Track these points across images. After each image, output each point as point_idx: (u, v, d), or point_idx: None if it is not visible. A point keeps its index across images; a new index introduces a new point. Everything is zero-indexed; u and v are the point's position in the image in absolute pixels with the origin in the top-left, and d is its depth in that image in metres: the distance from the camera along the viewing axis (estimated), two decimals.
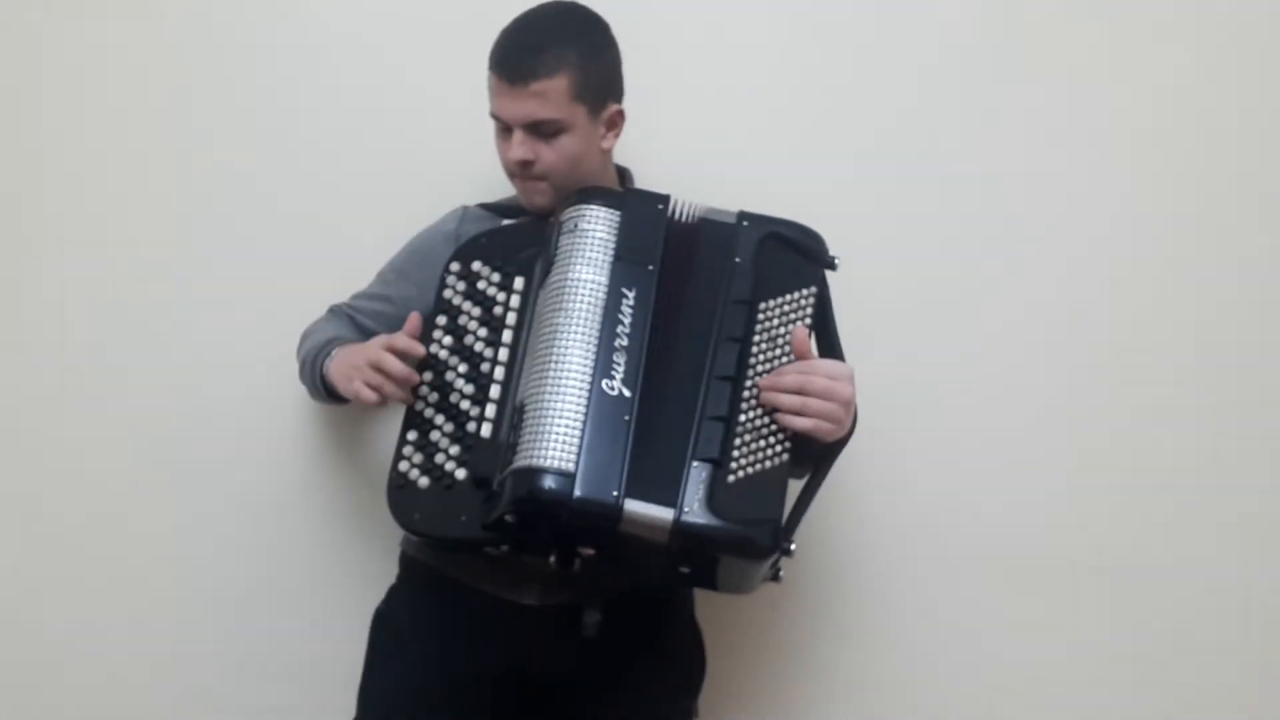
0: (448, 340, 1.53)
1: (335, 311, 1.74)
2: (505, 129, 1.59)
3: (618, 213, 1.52)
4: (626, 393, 1.42)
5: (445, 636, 1.58)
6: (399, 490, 1.48)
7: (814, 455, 1.49)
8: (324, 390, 1.62)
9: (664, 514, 1.37)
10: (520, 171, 1.60)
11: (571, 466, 1.36)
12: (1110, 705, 1.89)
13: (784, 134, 1.92)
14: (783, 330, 1.49)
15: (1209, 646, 1.90)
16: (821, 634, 1.92)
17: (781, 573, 1.48)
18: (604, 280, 1.47)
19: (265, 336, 1.83)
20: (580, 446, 1.37)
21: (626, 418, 1.40)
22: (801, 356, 1.45)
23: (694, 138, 1.90)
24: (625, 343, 1.44)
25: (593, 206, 1.52)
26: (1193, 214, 1.93)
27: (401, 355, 1.47)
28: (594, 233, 1.50)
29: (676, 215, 1.55)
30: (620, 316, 1.45)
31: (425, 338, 1.52)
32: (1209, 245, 1.93)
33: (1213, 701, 1.89)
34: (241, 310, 1.89)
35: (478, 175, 1.78)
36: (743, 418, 1.44)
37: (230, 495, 1.88)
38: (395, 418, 1.55)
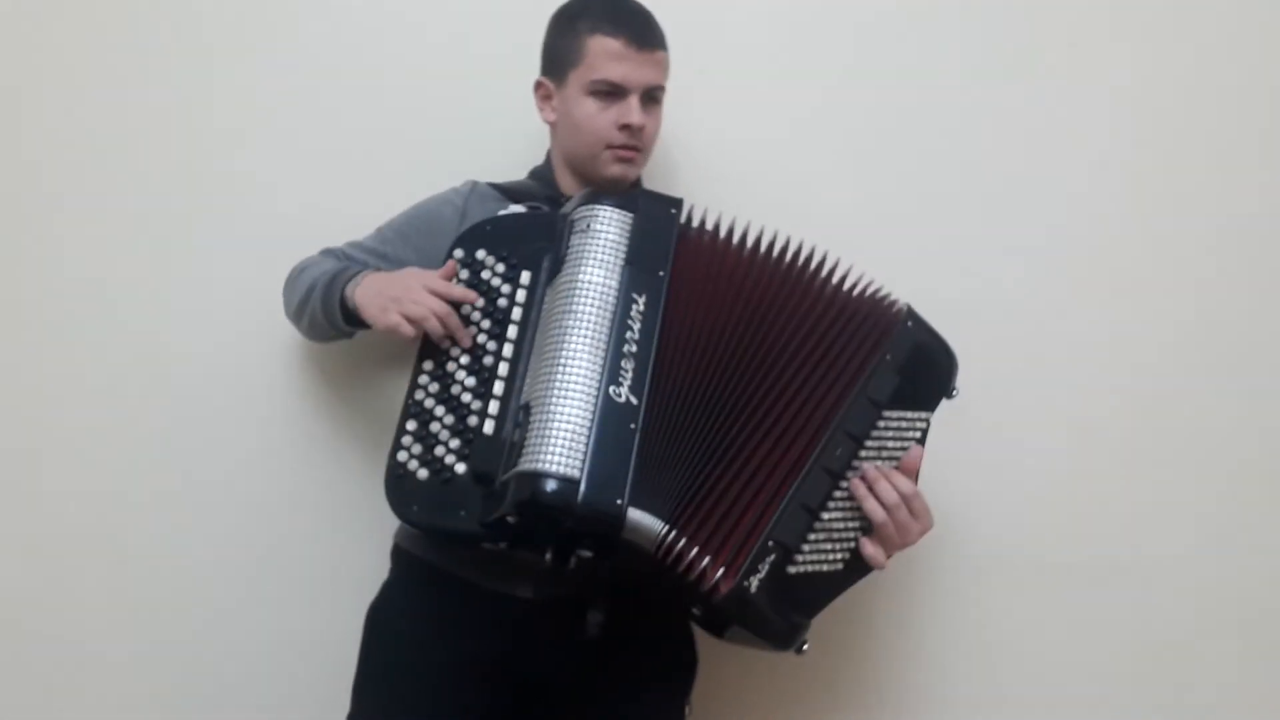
0: None
1: (330, 253, 1.67)
2: (611, 95, 1.59)
3: (630, 215, 1.50)
4: (634, 400, 1.40)
5: (439, 629, 1.55)
6: (397, 480, 1.45)
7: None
8: (340, 313, 1.55)
9: (655, 523, 1.37)
10: (627, 140, 1.60)
11: (576, 473, 1.35)
12: (1111, 705, 1.91)
13: (803, 139, 1.93)
14: (891, 444, 1.49)
15: (1210, 646, 1.92)
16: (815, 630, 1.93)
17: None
18: (614, 284, 1.45)
19: (254, 327, 1.81)
20: (586, 452, 1.36)
21: (633, 425, 1.39)
22: (908, 474, 1.46)
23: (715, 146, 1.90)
24: (634, 349, 1.42)
25: (605, 208, 1.50)
26: (1194, 215, 1.95)
27: (442, 298, 1.46)
28: (606, 234, 1.48)
29: (870, 291, 1.54)
30: (629, 322, 1.44)
31: None
32: (1212, 246, 1.95)
33: (1213, 701, 1.91)
34: (230, 302, 1.85)
35: (486, 153, 1.76)
36: (827, 515, 1.44)
37: (219, 494, 1.84)
38: (387, 411, 1.53)
